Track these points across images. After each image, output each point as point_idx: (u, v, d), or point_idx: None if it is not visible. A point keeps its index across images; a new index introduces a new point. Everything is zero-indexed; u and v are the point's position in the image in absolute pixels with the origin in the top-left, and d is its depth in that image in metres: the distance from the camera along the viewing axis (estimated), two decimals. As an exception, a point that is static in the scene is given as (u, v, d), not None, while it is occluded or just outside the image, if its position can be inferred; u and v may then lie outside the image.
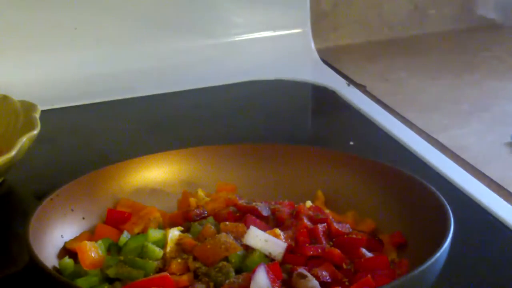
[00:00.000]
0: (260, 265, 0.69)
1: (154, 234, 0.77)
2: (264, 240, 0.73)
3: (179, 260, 0.73)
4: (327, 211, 0.83)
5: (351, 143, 1.09)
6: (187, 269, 0.73)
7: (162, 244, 0.76)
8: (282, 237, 0.75)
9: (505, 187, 0.98)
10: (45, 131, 0.97)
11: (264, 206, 0.81)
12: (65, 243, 0.79)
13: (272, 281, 0.68)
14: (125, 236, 0.78)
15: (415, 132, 1.14)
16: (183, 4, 1.34)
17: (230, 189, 0.87)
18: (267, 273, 0.69)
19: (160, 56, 1.33)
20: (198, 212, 0.81)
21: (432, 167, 1.02)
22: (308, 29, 1.41)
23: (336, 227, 0.78)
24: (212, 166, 0.89)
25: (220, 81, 1.30)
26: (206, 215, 0.81)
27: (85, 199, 0.83)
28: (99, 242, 0.77)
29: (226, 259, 0.72)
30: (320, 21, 1.48)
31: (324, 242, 0.76)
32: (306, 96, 1.32)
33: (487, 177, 1.01)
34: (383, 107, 1.22)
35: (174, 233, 0.76)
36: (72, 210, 0.82)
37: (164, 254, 0.75)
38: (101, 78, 1.29)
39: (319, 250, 0.74)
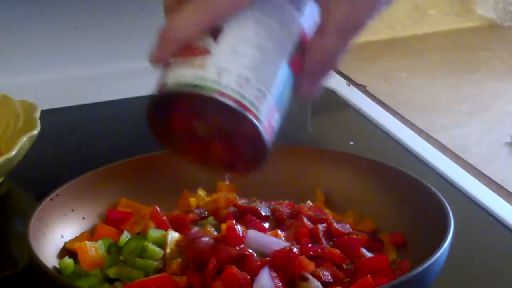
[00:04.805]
0: (264, 267, 0.69)
1: (154, 234, 0.77)
2: (264, 241, 0.73)
3: (179, 260, 0.73)
4: (327, 211, 0.83)
5: (351, 143, 1.09)
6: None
7: (162, 244, 0.75)
8: (283, 238, 0.75)
9: (505, 187, 0.98)
10: (45, 131, 0.97)
11: (264, 206, 0.81)
12: (65, 243, 0.79)
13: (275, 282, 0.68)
14: (125, 236, 0.78)
15: (415, 132, 1.13)
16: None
17: (230, 189, 0.87)
18: (271, 274, 0.69)
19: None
20: (198, 212, 0.81)
21: (432, 167, 1.01)
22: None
23: (336, 227, 0.78)
24: (212, 166, 0.89)
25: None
26: (206, 215, 0.81)
27: (85, 199, 0.83)
28: (99, 242, 0.77)
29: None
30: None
31: (324, 242, 0.76)
32: (306, 96, 1.32)
33: (487, 177, 1.01)
34: (383, 107, 1.22)
35: (174, 234, 0.76)
36: (72, 210, 0.82)
37: (164, 254, 0.74)
38: (100, 78, 1.29)
39: (319, 251, 0.74)
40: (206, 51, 0.57)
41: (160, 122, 0.61)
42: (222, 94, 0.56)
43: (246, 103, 0.56)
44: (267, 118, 0.58)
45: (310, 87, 0.61)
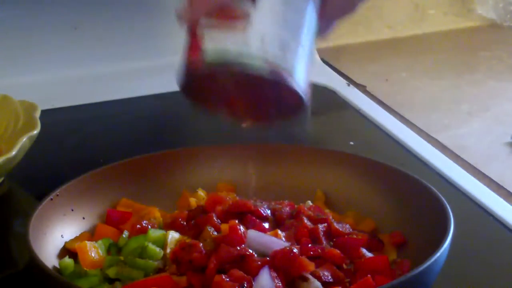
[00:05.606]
0: (264, 267, 0.69)
1: (154, 234, 0.77)
2: (264, 241, 0.73)
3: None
4: (327, 211, 0.83)
5: (351, 143, 1.09)
6: (187, 269, 0.73)
7: (162, 244, 0.75)
8: (283, 238, 0.75)
9: (505, 187, 0.98)
10: (45, 131, 0.97)
11: (264, 206, 0.81)
12: (65, 243, 0.79)
13: (275, 282, 0.68)
14: (125, 236, 0.78)
15: (415, 132, 1.14)
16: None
17: (230, 189, 0.87)
18: (271, 274, 0.69)
19: (160, 56, 1.33)
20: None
21: (432, 167, 1.02)
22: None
23: (336, 227, 0.78)
24: (212, 166, 0.89)
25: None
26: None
27: (85, 199, 0.83)
28: (99, 242, 0.77)
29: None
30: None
31: (324, 242, 0.76)
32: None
33: (487, 177, 1.01)
34: (383, 107, 1.22)
35: (174, 235, 0.76)
36: (72, 210, 0.82)
37: (164, 254, 0.74)
38: (101, 78, 1.29)
39: (319, 251, 0.74)
40: (245, 15, 0.56)
41: (191, 81, 0.60)
42: (267, 62, 0.55)
43: (288, 67, 0.56)
44: (304, 73, 0.59)
45: (328, 28, 0.63)
